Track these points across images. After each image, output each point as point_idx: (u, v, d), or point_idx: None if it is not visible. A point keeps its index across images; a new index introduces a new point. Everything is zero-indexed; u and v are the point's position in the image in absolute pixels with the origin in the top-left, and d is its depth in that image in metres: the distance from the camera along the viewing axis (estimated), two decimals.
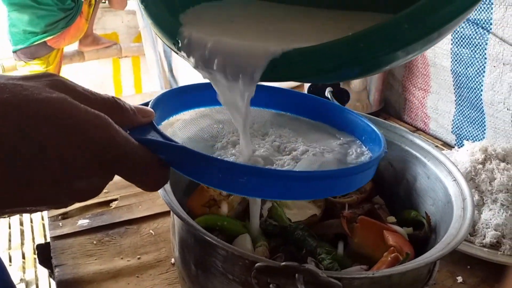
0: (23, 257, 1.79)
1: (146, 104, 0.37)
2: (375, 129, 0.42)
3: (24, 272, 1.72)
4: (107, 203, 0.71)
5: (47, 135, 0.25)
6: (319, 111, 0.48)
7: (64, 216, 0.68)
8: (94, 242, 0.63)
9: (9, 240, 1.87)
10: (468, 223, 0.41)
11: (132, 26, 2.44)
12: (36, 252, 0.68)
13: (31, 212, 0.29)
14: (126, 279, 0.57)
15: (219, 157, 0.37)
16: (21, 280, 1.69)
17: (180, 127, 0.43)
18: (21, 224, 1.96)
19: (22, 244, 1.85)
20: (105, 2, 2.32)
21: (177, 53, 0.35)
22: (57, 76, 0.28)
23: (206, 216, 0.49)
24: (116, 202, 0.71)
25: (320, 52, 0.28)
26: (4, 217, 0.37)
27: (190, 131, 0.44)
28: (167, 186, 0.44)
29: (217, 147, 0.42)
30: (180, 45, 0.34)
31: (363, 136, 0.44)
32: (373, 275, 0.34)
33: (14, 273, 1.67)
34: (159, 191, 0.42)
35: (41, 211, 0.30)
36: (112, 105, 0.30)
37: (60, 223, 0.66)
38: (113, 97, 0.30)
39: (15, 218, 1.99)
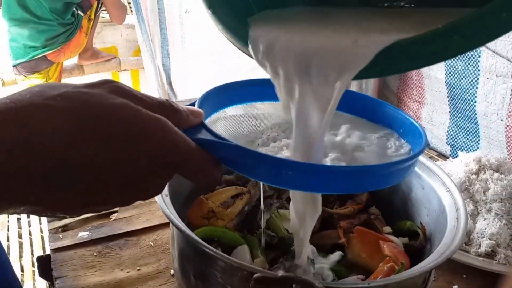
0: (22, 270, 1.78)
1: (193, 104, 0.39)
2: (414, 121, 0.42)
3: (23, 285, 1.71)
4: (107, 215, 0.71)
5: (118, 140, 0.27)
6: (355, 105, 0.47)
7: (64, 228, 0.68)
8: (94, 254, 0.63)
9: (8, 254, 1.87)
10: (462, 233, 0.42)
11: (131, 40, 2.47)
12: (36, 264, 0.69)
13: (97, 211, 0.31)
14: None
15: (269, 153, 0.38)
16: None
17: (221, 124, 0.44)
18: (20, 237, 1.96)
19: (21, 257, 1.84)
20: (104, 17, 2.35)
21: (251, 57, 0.36)
22: (115, 82, 0.30)
23: (205, 228, 0.50)
24: (116, 214, 0.71)
25: (428, 40, 0.28)
26: (74, 217, 0.38)
27: (231, 128, 0.44)
28: (167, 199, 0.45)
29: (257, 143, 0.43)
30: (257, 49, 0.35)
31: (401, 129, 0.43)
32: (368, 285, 0.35)
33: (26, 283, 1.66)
34: (158, 202, 0.43)
35: (106, 210, 0.32)
36: (168, 108, 0.31)
37: (60, 235, 0.66)
38: (167, 100, 0.32)
39: (14, 231, 1.98)
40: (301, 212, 0.38)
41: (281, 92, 0.36)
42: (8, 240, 1.93)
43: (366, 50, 0.30)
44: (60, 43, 2.02)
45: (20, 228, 1.98)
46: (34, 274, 1.73)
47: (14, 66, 2.04)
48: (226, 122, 0.44)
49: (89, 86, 0.29)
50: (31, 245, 1.89)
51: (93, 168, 0.27)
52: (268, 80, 0.38)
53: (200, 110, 0.36)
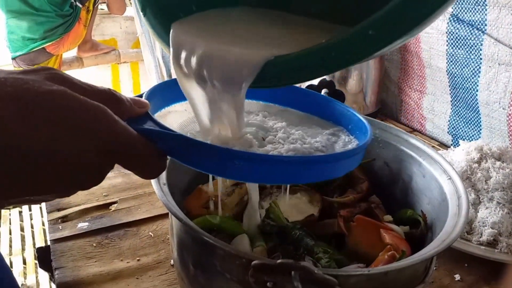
0: (24, 263, 1.79)
1: (141, 96, 0.38)
2: (361, 118, 0.43)
3: (25, 278, 1.72)
4: (106, 206, 0.71)
5: (50, 127, 0.26)
6: (307, 103, 0.48)
7: (64, 219, 0.68)
8: (94, 244, 0.63)
9: (10, 246, 1.88)
10: (463, 220, 0.42)
11: (130, 32, 2.45)
12: (36, 255, 0.69)
13: (35, 202, 0.30)
14: (126, 281, 0.57)
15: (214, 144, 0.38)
16: (23, 285, 1.69)
17: (172, 118, 0.43)
18: (22, 229, 1.97)
19: (23, 249, 1.85)
20: (103, 9, 2.34)
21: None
22: (54, 69, 0.29)
23: (204, 217, 0.49)
24: (115, 205, 0.71)
25: (296, 60, 0.30)
26: (8, 208, 0.37)
27: (182, 122, 0.44)
28: (165, 188, 0.44)
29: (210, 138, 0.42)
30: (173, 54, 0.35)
31: (349, 125, 0.44)
32: (369, 272, 0.35)
33: (16, 279, 1.67)
34: (156, 191, 0.43)
35: (45, 201, 0.31)
36: (109, 96, 0.31)
37: (60, 226, 0.66)
38: (109, 88, 0.31)
39: (16, 224, 1.99)
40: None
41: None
42: (10, 233, 1.94)
43: (249, 64, 0.32)
44: (59, 34, 2.01)
45: (22, 221, 1.99)
46: (36, 267, 1.74)
47: (13, 58, 2.03)
48: (178, 117, 0.44)
49: (25, 72, 0.28)
50: (33, 237, 1.90)
51: (32, 155, 0.26)
52: None
53: (145, 101, 0.35)
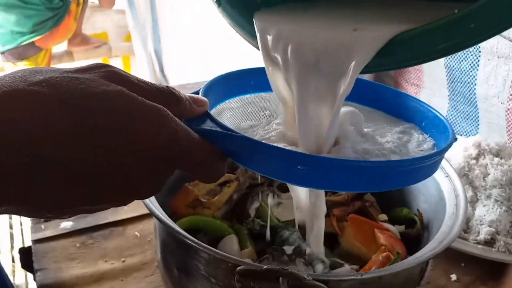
0: (13, 261, 1.76)
1: (197, 93, 0.35)
2: (438, 114, 0.38)
3: (14, 276, 1.69)
4: None
5: (108, 133, 0.24)
6: (370, 96, 0.43)
7: (47, 218, 0.65)
8: (78, 245, 0.60)
9: None
10: (461, 220, 0.40)
11: (122, 25, 2.41)
12: (19, 256, 0.66)
13: (91, 212, 0.28)
14: (110, 283, 0.55)
15: (280, 146, 0.34)
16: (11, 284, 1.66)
17: (228, 116, 0.40)
18: (11, 227, 1.93)
19: (12, 247, 1.82)
20: (93, 2, 2.29)
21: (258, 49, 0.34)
22: (110, 66, 0.27)
23: (190, 217, 0.47)
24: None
25: (436, 31, 0.25)
26: (65, 218, 0.35)
27: (238, 120, 0.40)
28: None
29: (268, 137, 0.38)
30: (265, 41, 0.32)
31: (423, 122, 0.39)
32: (361, 276, 0.33)
33: (8, 277, 1.64)
34: None
35: (101, 210, 0.28)
36: (168, 96, 0.28)
37: (43, 226, 0.64)
38: (167, 86, 0.29)
39: (5, 222, 1.96)
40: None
41: (290, 84, 0.33)
42: None
43: (373, 40, 0.28)
44: (48, 28, 1.97)
45: (11, 218, 1.96)
46: None
47: (2, 53, 1.99)
48: (232, 113, 0.41)
49: (80, 70, 0.26)
50: (22, 235, 1.87)
51: (80, 164, 0.24)
52: None
53: (205, 99, 0.32)
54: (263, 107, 0.42)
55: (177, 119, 0.27)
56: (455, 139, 0.34)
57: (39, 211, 0.25)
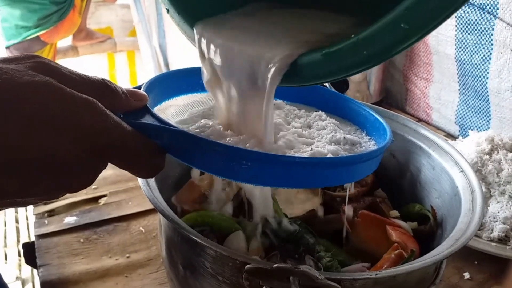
0: (19, 255, 1.76)
1: (139, 87, 0.35)
2: (379, 117, 0.40)
3: (20, 270, 1.69)
4: (95, 199, 0.68)
5: (29, 123, 0.23)
6: (317, 100, 0.45)
7: (51, 213, 0.65)
8: (81, 240, 0.60)
9: (5, 237, 1.85)
10: (478, 217, 0.38)
11: (126, 20, 2.40)
12: (22, 251, 0.65)
13: (20, 205, 0.27)
14: (114, 279, 0.54)
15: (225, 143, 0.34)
16: (17, 278, 1.66)
17: (173, 113, 0.40)
18: (17, 221, 1.94)
19: (18, 241, 1.83)
20: None
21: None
22: (40, 57, 0.26)
23: (196, 213, 0.45)
24: (105, 198, 0.68)
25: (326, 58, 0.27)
26: None
27: (184, 117, 0.40)
28: (152, 182, 0.40)
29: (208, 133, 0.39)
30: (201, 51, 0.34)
31: (366, 125, 0.41)
32: (376, 275, 0.31)
33: (11, 271, 1.64)
34: (142, 187, 0.39)
35: (30, 204, 0.27)
36: (102, 88, 0.28)
37: (46, 221, 0.63)
38: (102, 79, 0.28)
39: (11, 216, 1.96)
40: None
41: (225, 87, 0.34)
42: (5, 225, 1.91)
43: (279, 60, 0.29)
44: (53, 22, 1.96)
45: (17, 213, 1.96)
46: None
47: (7, 47, 1.98)
48: (180, 112, 0.40)
49: (6, 60, 0.25)
50: (28, 230, 1.88)
51: (11, 153, 0.23)
52: None
53: (143, 93, 0.32)
54: (211, 106, 0.42)
55: (108, 111, 0.26)
56: (392, 141, 0.36)
57: None
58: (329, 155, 0.33)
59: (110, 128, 0.26)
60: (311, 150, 0.33)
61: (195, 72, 0.41)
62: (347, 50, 0.25)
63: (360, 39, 0.24)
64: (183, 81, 0.41)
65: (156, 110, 0.38)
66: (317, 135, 0.38)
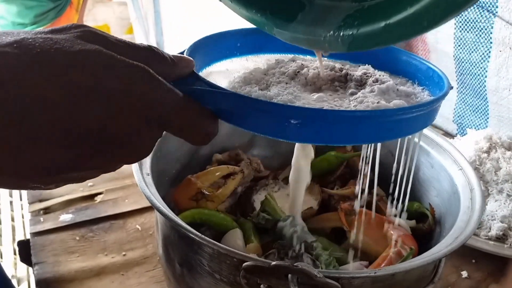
0: (15, 253, 1.75)
1: (182, 53, 0.34)
2: (432, 66, 0.37)
3: (15, 269, 1.68)
4: (91, 197, 0.67)
5: (86, 90, 0.23)
6: (362, 54, 0.42)
7: (46, 211, 0.64)
8: (77, 238, 0.59)
9: (0, 236, 1.84)
10: (478, 214, 0.38)
11: (124, 17, 2.39)
12: (17, 249, 0.64)
13: (77, 181, 0.26)
14: (110, 277, 0.53)
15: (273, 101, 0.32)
16: (13, 276, 1.65)
17: (215, 79, 0.38)
18: (13, 219, 1.92)
19: (14, 240, 1.81)
20: None
21: None
22: (86, 26, 0.26)
23: (193, 211, 0.45)
24: (101, 195, 0.67)
25: None
26: (48, 188, 0.33)
27: (226, 84, 0.38)
28: (148, 178, 0.40)
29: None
30: None
31: (417, 75, 0.38)
32: (375, 273, 0.31)
33: (6, 270, 1.63)
34: (138, 183, 0.39)
35: (88, 178, 0.27)
36: (150, 55, 0.27)
37: (41, 218, 0.62)
38: (150, 45, 0.27)
39: (7, 214, 1.95)
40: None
41: None
42: (0, 223, 1.90)
43: None
44: (50, 19, 1.95)
45: (13, 211, 1.95)
46: None
47: None
48: (227, 76, 0.38)
49: (54, 31, 0.24)
50: (24, 228, 1.86)
51: (57, 123, 0.22)
52: None
53: (190, 58, 0.31)
54: (252, 69, 0.40)
55: (161, 78, 0.26)
56: (451, 87, 0.34)
57: (26, 177, 0.24)
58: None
59: (165, 96, 0.25)
60: (377, 103, 0.31)
61: (233, 35, 0.40)
62: (408, 21, 0.25)
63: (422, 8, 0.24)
64: (222, 45, 0.40)
65: (202, 75, 0.36)
66: (369, 90, 0.35)
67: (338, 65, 0.39)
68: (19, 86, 0.22)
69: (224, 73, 0.39)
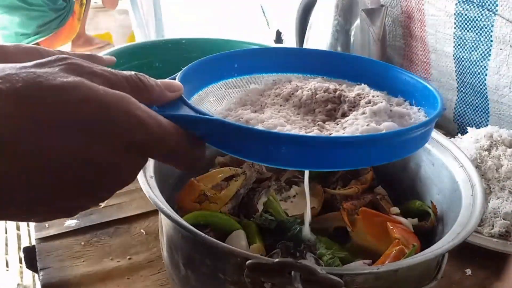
0: (21, 262, 1.76)
1: (173, 78, 0.34)
2: (428, 85, 0.37)
3: (21, 277, 1.69)
4: None
5: (66, 127, 0.23)
6: (357, 71, 0.42)
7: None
8: (82, 243, 0.59)
9: (6, 245, 1.84)
10: (479, 210, 0.38)
11: (125, 25, 2.40)
12: (23, 255, 0.65)
13: (65, 215, 0.27)
14: (115, 281, 0.54)
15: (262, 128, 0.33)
16: (19, 285, 1.65)
17: (211, 101, 0.39)
18: (18, 228, 1.93)
19: (19, 248, 1.82)
20: (96, 2, 2.29)
21: None
22: (72, 59, 0.26)
23: (196, 213, 0.45)
24: (105, 201, 0.67)
25: None
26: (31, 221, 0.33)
27: (222, 105, 0.39)
28: (152, 181, 0.40)
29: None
30: None
31: (415, 95, 0.38)
32: (378, 270, 0.31)
33: (12, 278, 1.64)
34: (142, 186, 0.39)
35: (78, 211, 0.27)
36: (136, 83, 0.27)
37: (46, 224, 0.62)
38: (135, 74, 0.28)
39: (12, 223, 1.96)
40: None
41: None
42: (6, 232, 1.91)
43: None
44: (53, 29, 1.97)
45: None
46: None
47: None
48: (217, 100, 0.39)
49: (38, 65, 0.25)
50: (29, 236, 1.87)
51: (35, 160, 0.22)
52: (261, 49, 0.34)
53: (178, 83, 0.31)
54: (249, 90, 0.41)
55: (144, 105, 0.26)
56: (444, 109, 0.34)
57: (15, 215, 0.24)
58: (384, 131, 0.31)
59: (148, 123, 0.25)
60: (367, 125, 0.31)
61: (229, 57, 0.40)
62: None
63: None
64: (218, 67, 0.40)
65: (194, 100, 0.37)
66: (360, 112, 0.36)
67: (332, 86, 0.39)
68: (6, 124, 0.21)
69: (223, 93, 0.39)
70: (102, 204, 0.67)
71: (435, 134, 0.51)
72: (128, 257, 0.57)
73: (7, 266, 1.71)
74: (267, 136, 0.28)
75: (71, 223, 0.63)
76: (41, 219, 0.26)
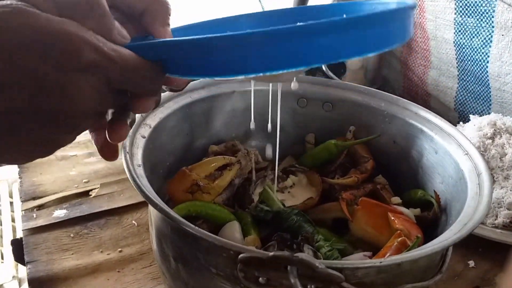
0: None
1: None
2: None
3: (17, 270, 1.67)
4: (86, 193, 0.65)
5: (5, 49, 0.22)
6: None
7: (40, 208, 0.62)
8: (71, 235, 0.57)
9: (1, 236, 1.82)
10: (487, 200, 0.36)
11: None
12: (11, 248, 0.63)
13: (32, 155, 0.26)
14: (105, 275, 0.52)
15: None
16: (14, 277, 1.64)
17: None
18: (13, 220, 1.91)
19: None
20: None
21: None
22: None
23: (188, 203, 0.43)
24: (96, 190, 0.65)
25: None
26: None
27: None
28: (140, 170, 0.38)
29: None
30: None
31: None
32: (380, 263, 0.29)
33: (7, 271, 1.62)
34: (128, 174, 0.37)
35: (46, 150, 0.26)
36: (88, 8, 0.25)
37: (34, 214, 0.60)
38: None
39: (7, 214, 1.93)
40: None
41: None
42: (1, 224, 1.88)
43: None
44: None
45: (13, 212, 1.94)
46: None
47: None
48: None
49: None
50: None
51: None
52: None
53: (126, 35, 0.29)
54: None
55: (91, 32, 0.24)
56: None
57: None
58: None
59: (93, 43, 0.24)
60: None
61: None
62: None
63: None
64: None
65: None
66: None
67: None
68: None
69: None
70: (92, 194, 0.64)
71: (438, 121, 0.49)
72: (119, 249, 0.55)
73: (2, 258, 1.69)
74: (237, 38, 0.24)
75: (60, 213, 0.60)
76: (17, 157, 0.25)
